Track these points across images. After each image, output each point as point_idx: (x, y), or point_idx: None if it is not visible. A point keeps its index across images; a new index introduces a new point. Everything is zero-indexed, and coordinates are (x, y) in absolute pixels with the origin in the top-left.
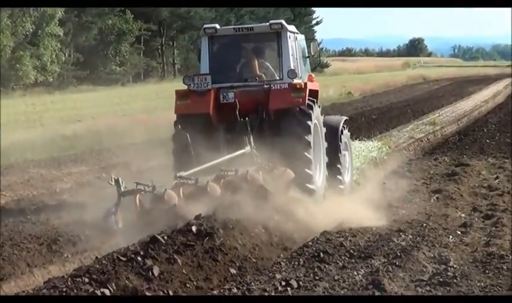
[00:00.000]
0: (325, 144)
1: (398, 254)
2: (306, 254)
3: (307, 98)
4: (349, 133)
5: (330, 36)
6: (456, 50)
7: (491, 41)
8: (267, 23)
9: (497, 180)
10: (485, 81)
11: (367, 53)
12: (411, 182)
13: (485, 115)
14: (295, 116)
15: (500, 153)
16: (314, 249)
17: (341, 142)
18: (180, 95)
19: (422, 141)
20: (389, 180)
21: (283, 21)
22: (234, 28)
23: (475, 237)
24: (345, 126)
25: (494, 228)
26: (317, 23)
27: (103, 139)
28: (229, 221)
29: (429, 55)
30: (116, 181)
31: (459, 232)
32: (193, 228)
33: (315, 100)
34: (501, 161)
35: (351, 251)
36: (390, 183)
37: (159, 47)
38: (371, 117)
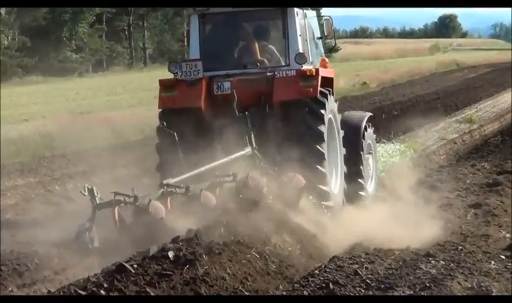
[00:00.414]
0: (343, 149)
1: (427, 285)
2: (312, 284)
3: (319, 87)
4: (374, 134)
5: (339, 13)
6: (497, 29)
7: None
8: None
9: None
10: None
11: (386, 33)
12: (442, 194)
13: None
14: (305, 106)
15: None
16: (321, 278)
17: (364, 143)
18: (164, 85)
19: (455, 143)
20: (415, 192)
21: None
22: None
23: None
24: (369, 124)
25: None
26: None
27: (55, 144)
28: (215, 244)
29: (464, 35)
30: (91, 191)
31: (503, 257)
32: (170, 254)
33: (330, 90)
34: None
35: (368, 281)
36: (416, 195)
37: (126, 27)
38: (392, 113)
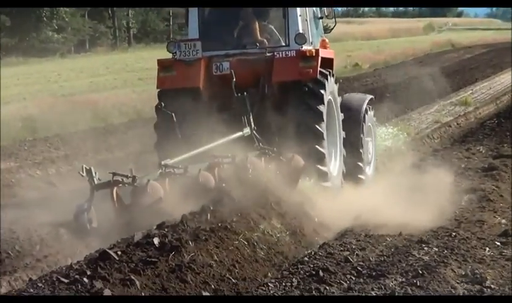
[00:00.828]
0: (342, 132)
1: (420, 272)
2: (301, 272)
3: (319, 68)
4: (374, 117)
5: None
6: (494, 8)
7: None
8: None
9: None
10: None
11: (379, 13)
12: (436, 179)
13: None
14: (304, 86)
15: None
16: (311, 265)
17: (364, 126)
18: (163, 65)
19: (450, 126)
20: (408, 177)
21: None
22: None
23: None
24: (370, 107)
25: None
26: None
27: (37, 127)
28: (202, 231)
29: (460, 14)
30: (89, 172)
31: (498, 243)
32: (155, 241)
33: (330, 71)
34: None
35: (359, 268)
36: (409, 180)
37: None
38: (385, 95)
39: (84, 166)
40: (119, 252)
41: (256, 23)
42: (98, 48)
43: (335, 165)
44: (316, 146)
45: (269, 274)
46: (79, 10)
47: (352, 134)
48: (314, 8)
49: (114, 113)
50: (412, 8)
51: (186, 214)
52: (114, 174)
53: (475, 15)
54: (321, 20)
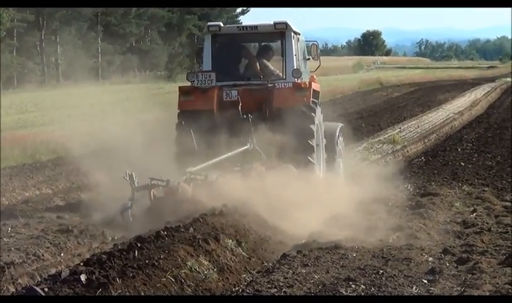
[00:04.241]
0: (324, 152)
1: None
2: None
3: (311, 98)
4: (343, 142)
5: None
6: (422, 47)
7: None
8: (271, 23)
9: (473, 214)
10: (460, 86)
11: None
12: (363, 216)
13: (459, 130)
14: (298, 115)
15: (478, 180)
16: None
17: (337, 149)
18: (183, 91)
19: (378, 164)
20: (335, 214)
21: (288, 21)
22: (238, 27)
23: (446, 287)
24: (340, 133)
25: (469, 276)
26: (243, 13)
27: None
28: (129, 268)
29: (388, 53)
30: (131, 177)
31: (425, 281)
32: (82, 277)
33: (317, 101)
34: (479, 189)
35: None
36: (336, 218)
37: (38, 43)
38: None
39: (127, 171)
40: (45, 289)
41: (257, 60)
42: (26, 85)
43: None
44: (308, 157)
45: None
46: (7, 46)
47: (329, 156)
48: (303, 50)
49: (42, 150)
50: (340, 46)
51: (114, 250)
52: (152, 179)
53: (404, 54)
54: (308, 61)
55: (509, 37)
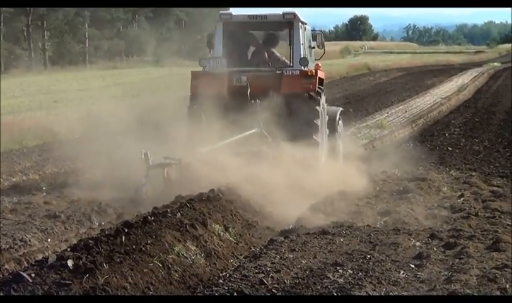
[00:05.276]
0: (327, 132)
1: (335, 294)
2: (216, 294)
3: (317, 84)
4: (342, 124)
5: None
6: (410, 32)
7: (455, 20)
8: (280, 13)
9: (461, 199)
10: (447, 71)
11: None
12: (351, 201)
13: (446, 115)
14: (305, 99)
15: (465, 164)
16: (226, 288)
17: (337, 132)
18: (195, 76)
19: (365, 148)
20: (322, 200)
21: (296, 11)
22: (248, 16)
23: (433, 272)
24: (340, 117)
25: (456, 260)
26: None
27: None
28: (116, 253)
29: (375, 38)
30: (146, 155)
31: (413, 265)
32: (69, 263)
33: (322, 88)
34: (467, 174)
35: (273, 290)
36: (322, 203)
37: (25, 28)
38: None
39: (143, 150)
40: (32, 274)
41: (268, 47)
42: (13, 71)
43: (322, 155)
44: (313, 136)
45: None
46: None
47: (330, 139)
48: (309, 39)
49: (29, 135)
50: (328, 31)
51: (101, 236)
52: (166, 158)
53: (392, 39)
54: (313, 49)
55: (496, 22)
